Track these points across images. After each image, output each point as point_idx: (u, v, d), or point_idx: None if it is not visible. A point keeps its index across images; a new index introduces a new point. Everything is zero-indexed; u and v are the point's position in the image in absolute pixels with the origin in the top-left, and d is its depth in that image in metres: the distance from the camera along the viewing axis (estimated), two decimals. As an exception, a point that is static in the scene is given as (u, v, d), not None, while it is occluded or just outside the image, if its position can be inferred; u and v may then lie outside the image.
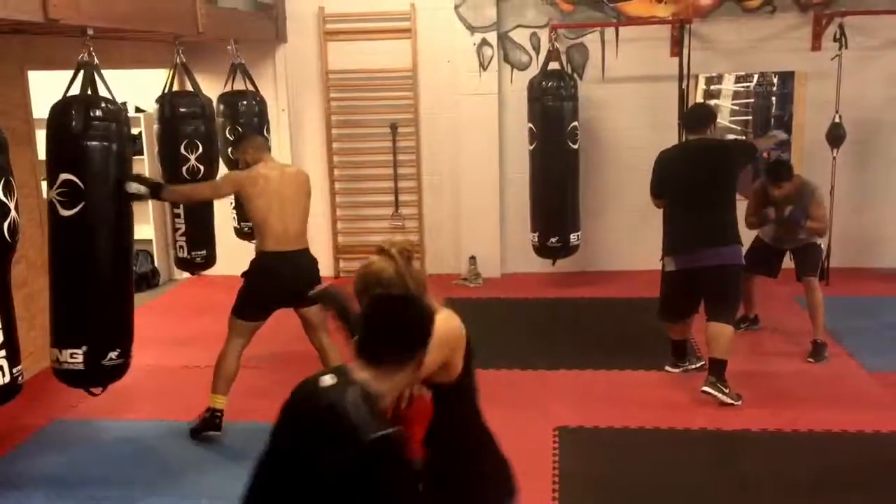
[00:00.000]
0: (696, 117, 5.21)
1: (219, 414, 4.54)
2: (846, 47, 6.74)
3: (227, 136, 6.20)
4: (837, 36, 6.73)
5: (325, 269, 7.87)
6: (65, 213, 3.93)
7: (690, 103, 7.18)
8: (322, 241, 7.86)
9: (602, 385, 5.25)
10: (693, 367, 5.30)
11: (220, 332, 4.62)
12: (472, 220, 7.75)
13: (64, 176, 3.90)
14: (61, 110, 3.97)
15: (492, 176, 7.67)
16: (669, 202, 5.08)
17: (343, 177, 7.94)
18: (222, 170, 5.79)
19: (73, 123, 3.90)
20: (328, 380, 1.99)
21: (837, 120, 6.84)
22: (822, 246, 5.71)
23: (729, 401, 4.78)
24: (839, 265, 7.15)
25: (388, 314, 2.07)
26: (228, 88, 6.35)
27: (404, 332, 2.04)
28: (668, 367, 5.37)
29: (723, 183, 4.95)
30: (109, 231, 4.07)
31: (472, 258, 7.71)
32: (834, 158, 6.88)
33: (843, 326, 6.00)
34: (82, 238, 4.00)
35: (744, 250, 5.02)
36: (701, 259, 4.88)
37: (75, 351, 3.99)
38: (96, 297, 4.07)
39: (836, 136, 6.84)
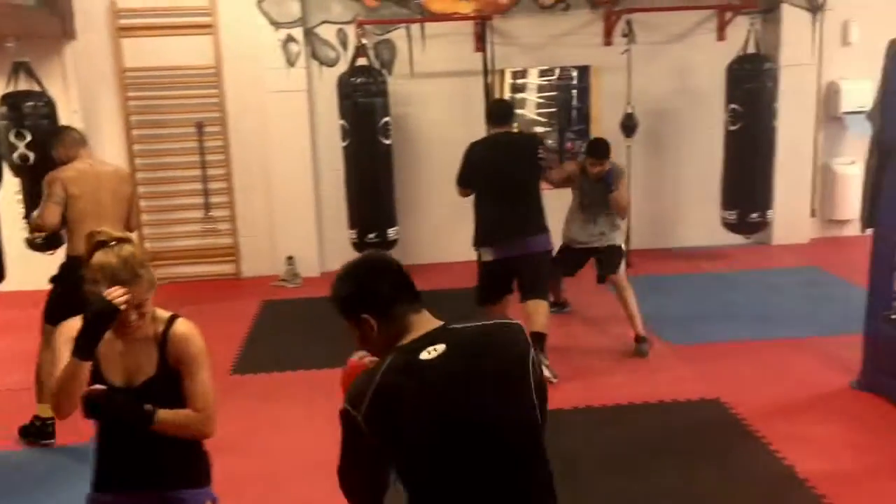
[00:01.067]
0: (502, 112, 5.40)
1: (49, 421, 4.37)
2: (635, 42, 7.20)
3: (12, 140, 5.72)
4: (626, 32, 7.17)
5: (133, 277, 7.53)
6: None
7: (497, 97, 7.41)
8: (128, 249, 7.45)
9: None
10: None
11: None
12: (288, 219, 7.61)
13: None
14: None
15: (306, 174, 7.57)
16: (479, 193, 5.20)
17: (148, 179, 7.55)
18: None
19: None
20: (437, 347, 1.88)
21: (630, 111, 7.29)
22: (623, 248, 5.93)
23: (548, 374, 5.01)
24: (638, 247, 7.65)
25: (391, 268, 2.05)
26: (12, 89, 5.87)
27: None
28: None
29: (531, 174, 5.17)
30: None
31: (290, 258, 7.58)
32: (628, 147, 7.33)
33: (644, 304, 6.40)
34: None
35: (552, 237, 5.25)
36: (516, 248, 5.07)
37: None
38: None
39: (628, 126, 7.30)
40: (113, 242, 2.32)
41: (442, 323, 1.97)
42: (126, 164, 7.41)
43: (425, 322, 1.96)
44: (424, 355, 1.86)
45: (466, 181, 5.24)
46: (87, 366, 2.24)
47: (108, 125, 7.39)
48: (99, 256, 2.29)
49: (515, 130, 5.38)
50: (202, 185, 7.54)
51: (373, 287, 1.98)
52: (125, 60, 7.27)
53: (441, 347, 1.87)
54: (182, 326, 2.41)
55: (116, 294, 2.22)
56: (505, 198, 5.08)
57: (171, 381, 2.36)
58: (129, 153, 7.42)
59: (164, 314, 2.42)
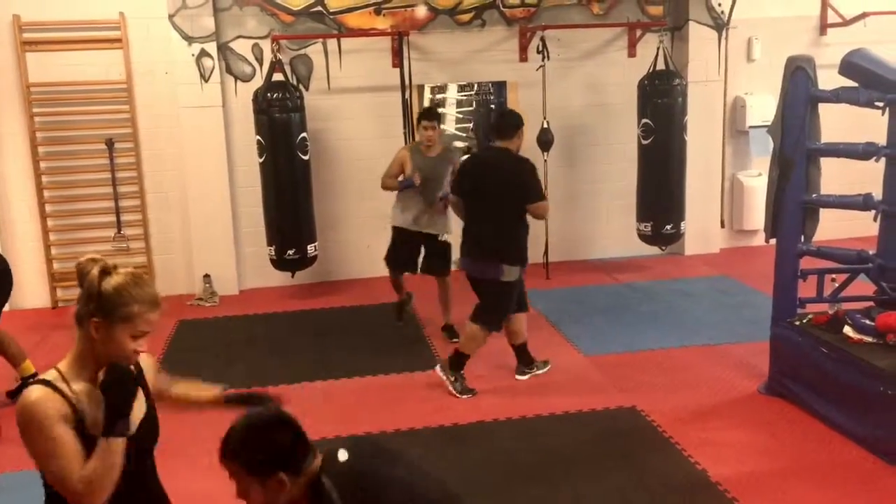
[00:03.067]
0: (501, 125, 5.12)
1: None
2: (548, 58, 7.32)
3: None
4: (540, 48, 7.29)
5: (40, 298, 7.26)
6: None
7: (415, 112, 7.44)
8: (34, 268, 7.22)
9: (339, 393, 5.27)
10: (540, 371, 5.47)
11: None
12: (204, 236, 7.46)
13: None
14: None
15: (222, 190, 7.43)
16: (465, 204, 5.18)
17: (55, 198, 7.30)
18: None
19: None
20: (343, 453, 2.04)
21: (546, 125, 7.41)
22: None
23: (451, 390, 5.08)
24: (556, 260, 7.77)
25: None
26: None
27: None
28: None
29: (507, 200, 4.96)
30: None
31: (207, 276, 7.43)
32: (545, 161, 7.45)
33: (562, 315, 6.52)
34: None
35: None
36: (467, 267, 5.18)
37: None
38: None
39: (544, 140, 7.41)
40: (112, 265, 2.02)
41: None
42: (32, 182, 7.17)
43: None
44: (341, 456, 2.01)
45: (458, 189, 5.26)
46: (122, 442, 1.95)
47: (11, 141, 7.12)
48: (121, 280, 2.00)
49: (501, 146, 5.02)
50: (113, 202, 7.33)
51: (287, 444, 1.99)
52: (30, 75, 7.02)
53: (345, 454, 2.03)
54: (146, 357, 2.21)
55: (143, 348, 2.03)
56: (476, 216, 5.10)
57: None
58: (36, 170, 7.16)
59: None
